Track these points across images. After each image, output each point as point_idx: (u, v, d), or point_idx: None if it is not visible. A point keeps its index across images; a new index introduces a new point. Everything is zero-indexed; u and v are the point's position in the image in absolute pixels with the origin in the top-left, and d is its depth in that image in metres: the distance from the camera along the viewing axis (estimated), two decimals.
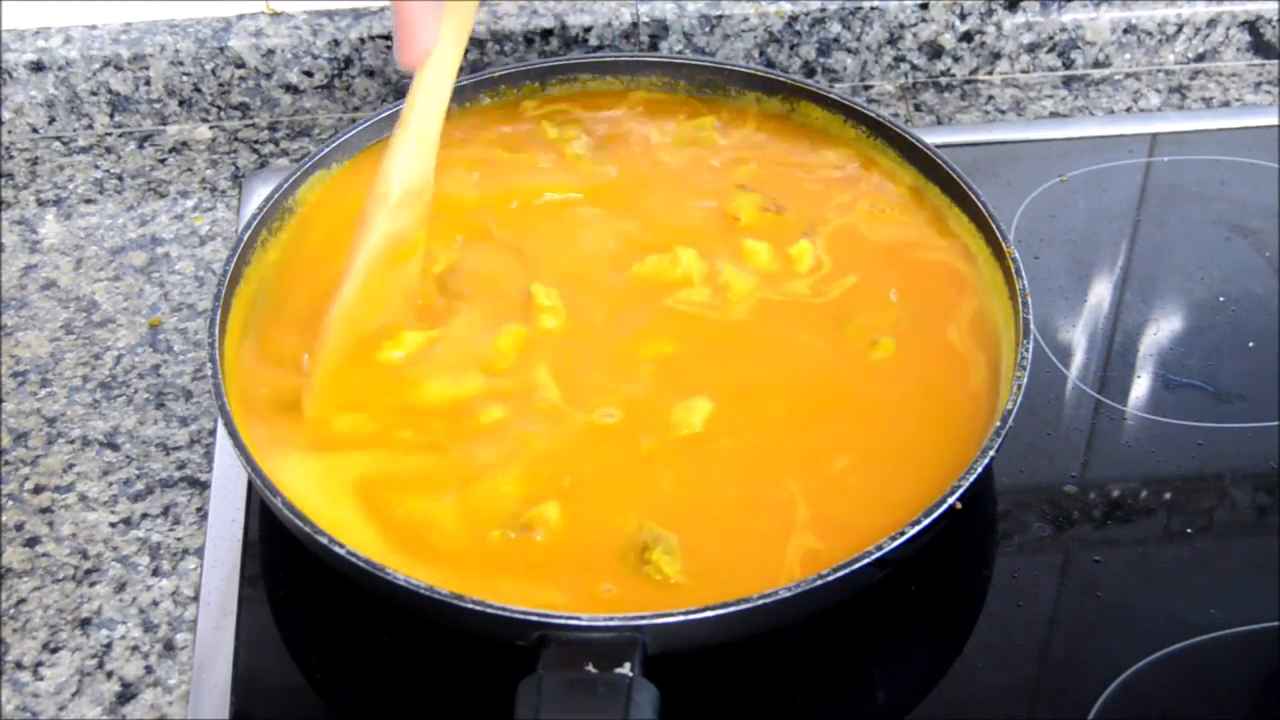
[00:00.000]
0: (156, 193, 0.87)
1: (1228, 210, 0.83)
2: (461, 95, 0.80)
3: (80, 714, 0.62)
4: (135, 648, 0.64)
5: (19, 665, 0.64)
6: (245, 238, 0.71)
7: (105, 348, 0.78)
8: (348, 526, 0.61)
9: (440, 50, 0.65)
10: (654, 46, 0.92)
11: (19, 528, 0.69)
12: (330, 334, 0.66)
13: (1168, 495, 0.68)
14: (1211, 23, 0.93)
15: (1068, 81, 0.94)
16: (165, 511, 0.70)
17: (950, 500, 0.58)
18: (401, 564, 0.58)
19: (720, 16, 0.91)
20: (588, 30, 0.91)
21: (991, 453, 0.60)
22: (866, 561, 0.56)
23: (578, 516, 0.62)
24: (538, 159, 0.78)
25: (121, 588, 0.67)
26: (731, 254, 0.73)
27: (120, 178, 0.89)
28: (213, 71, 0.90)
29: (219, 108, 0.92)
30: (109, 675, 0.63)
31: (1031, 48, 0.93)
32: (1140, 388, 0.73)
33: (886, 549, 0.56)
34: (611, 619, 0.55)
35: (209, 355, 0.65)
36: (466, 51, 0.91)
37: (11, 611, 0.66)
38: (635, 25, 0.91)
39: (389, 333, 0.68)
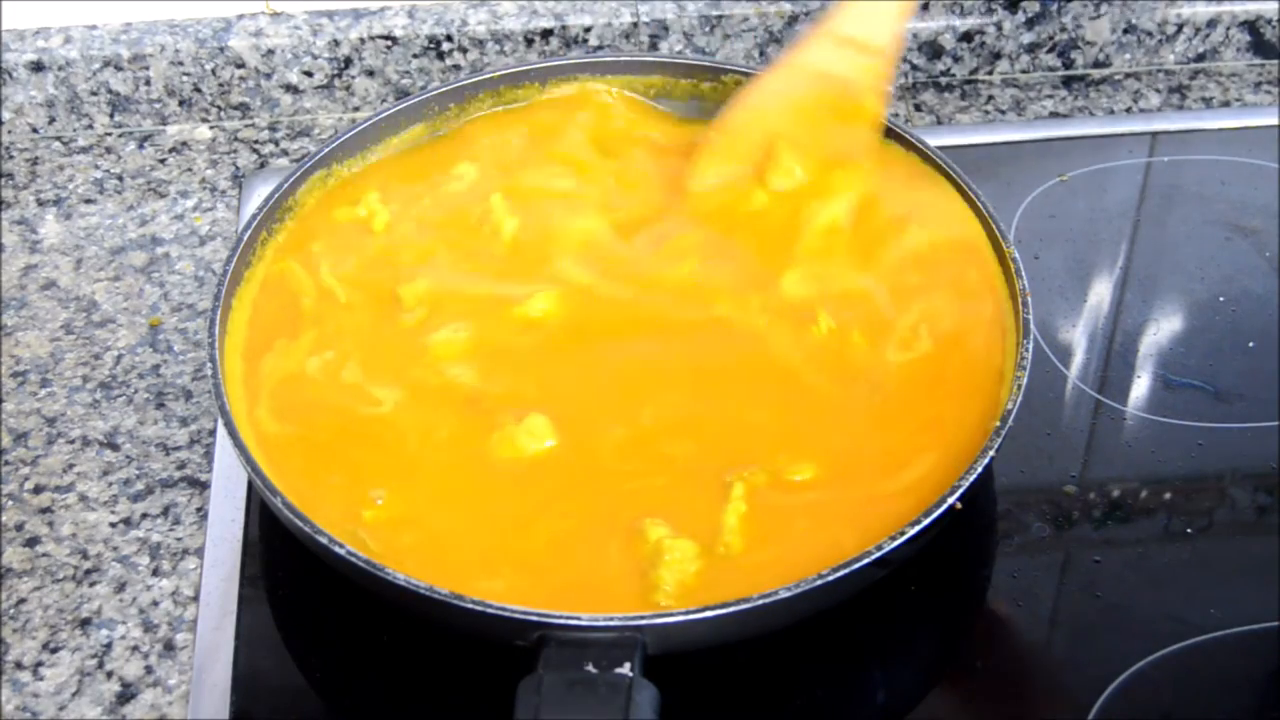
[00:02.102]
0: (156, 193, 0.88)
1: (1228, 210, 0.83)
2: (460, 95, 0.80)
3: (80, 714, 0.62)
4: (135, 648, 0.64)
5: (19, 665, 0.64)
6: (245, 238, 0.71)
7: (105, 348, 0.78)
8: None
9: None
10: (654, 46, 0.92)
11: (19, 528, 0.69)
12: (738, 118, 0.74)
13: (1168, 495, 0.68)
14: (1211, 23, 0.93)
15: (1068, 81, 0.94)
16: (165, 511, 0.70)
17: (950, 500, 0.58)
18: None
19: (720, 16, 0.91)
20: (588, 30, 0.91)
21: (991, 453, 0.60)
22: (866, 561, 0.56)
23: None
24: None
25: (121, 588, 0.67)
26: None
27: (120, 178, 0.89)
28: (213, 71, 0.90)
29: (219, 108, 0.92)
30: (109, 675, 0.63)
31: (1031, 48, 0.93)
32: (1140, 388, 0.73)
33: (886, 549, 0.57)
34: (611, 619, 0.55)
35: (209, 355, 0.65)
36: (465, 51, 0.91)
37: (11, 611, 0.66)
38: (635, 25, 0.91)
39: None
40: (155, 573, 0.67)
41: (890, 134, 0.76)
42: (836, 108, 0.74)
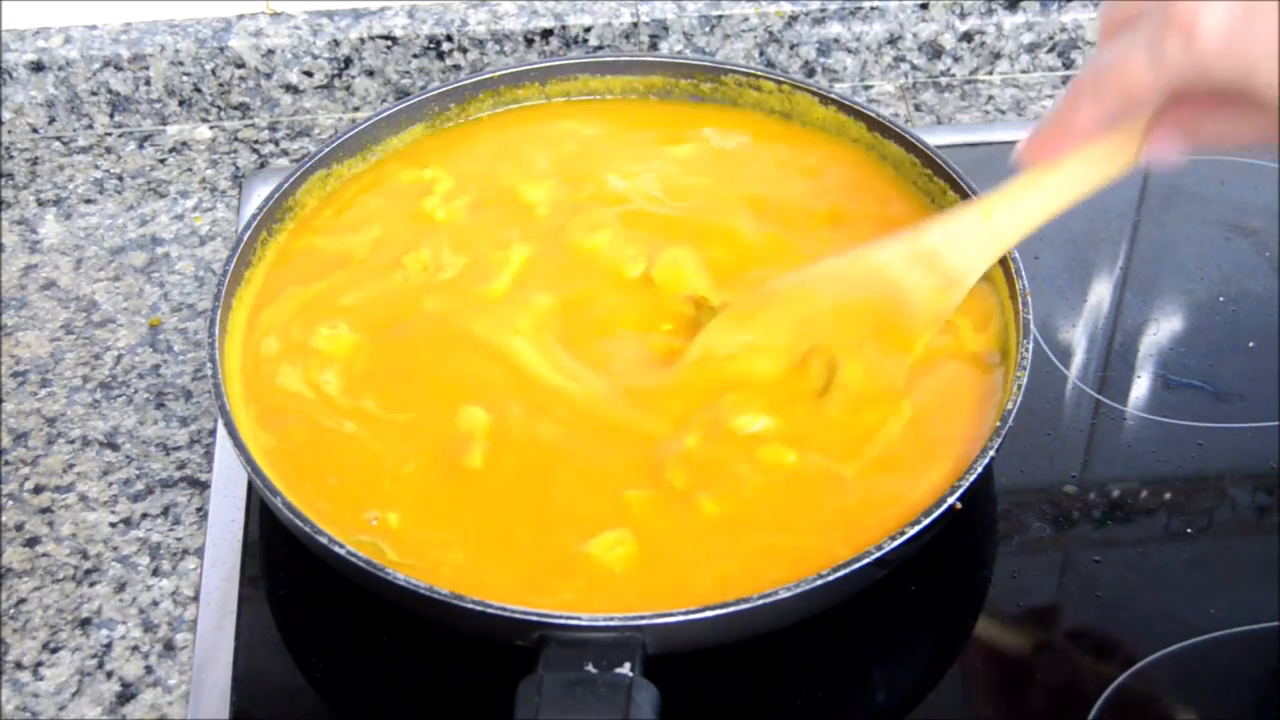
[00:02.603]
0: (156, 193, 0.88)
1: (1228, 210, 0.83)
2: (460, 95, 0.80)
3: (80, 714, 0.62)
4: (135, 648, 0.64)
5: (19, 665, 0.64)
6: (245, 238, 0.71)
7: (105, 348, 0.78)
8: None
9: (1074, 168, 0.59)
10: (654, 46, 0.92)
11: (19, 528, 0.69)
12: (783, 285, 0.66)
13: (1168, 495, 0.68)
14: None
15: (1068, 81, 0.94)
16: (165, 511, 0.70)
17: (950, 500, 0.58)
18: None
19: (720, 16, 0.91)
20: (588, 30, 0.91)
21: (991, 453, 0.60)
22: (866, 561, 0.56)
23: None
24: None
25: (121, 588, 0.67)
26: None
27: (120, 178, 0.89)
28: (213, 71, 0.90)
29: (219, 108, 0.92)
30: (109, 675, 0.63)
31: (1031, 48, 0.93)
32: (1140, 388, 0.73)
33: (886, 549, 0.56)
34: (611, 619, 0.55)
35: (209, 355, 0.65)
36: (465, 51, 0.91)
37: (11, 611, 0.66)
38: (635, 25, 0.91)
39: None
40: (155, 573, 0.67)
41: (890, 134, 0.76)
42: (883, 324, 0.65)
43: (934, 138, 0.76)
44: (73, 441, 0.73)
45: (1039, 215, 0.62)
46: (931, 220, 0.65)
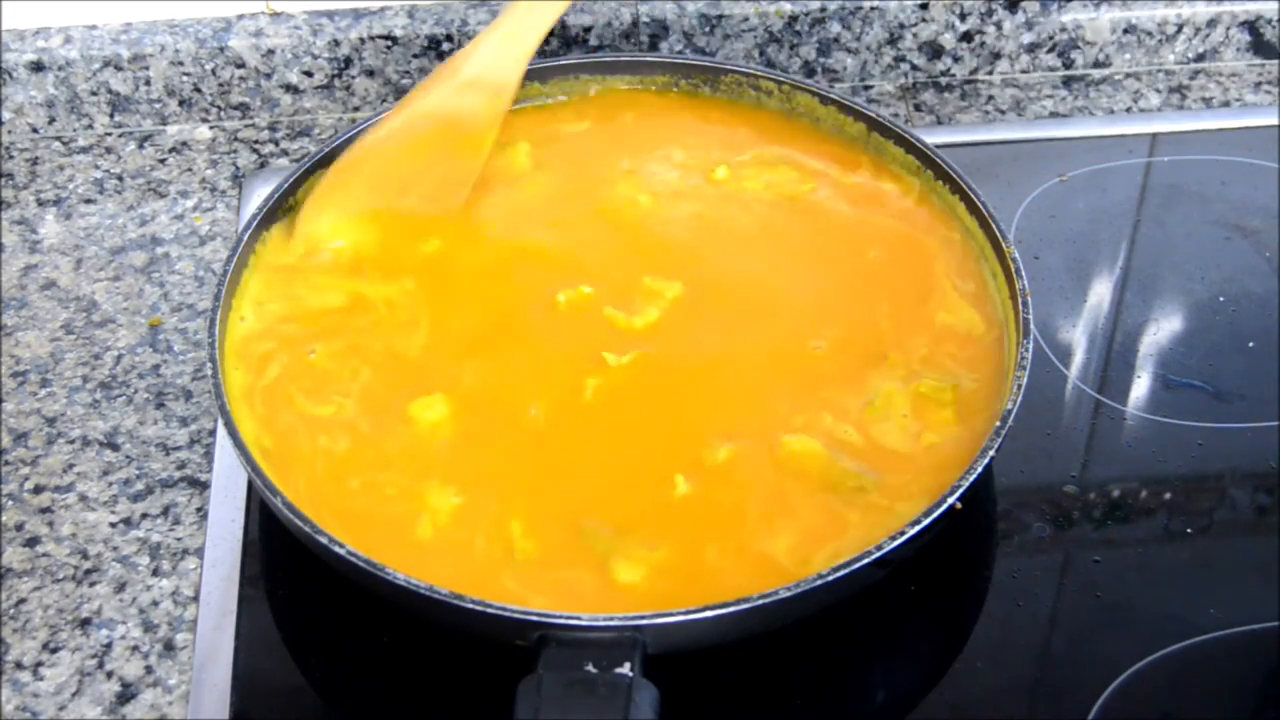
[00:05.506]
0: (156, 193, 0.88)
1: (1228, 210, 0.83)
2: None
3: (80, 714, 0.62)
4: (135, 648, 0.64)
5: (19, 665, 0.64)
6: (245, 238, 0.71)
7: (105, 348, 0.78)
8: None
9: None
10: (654, 46, 0.92)
11: (19, 528, 0.69)
12: (350, 160, 0.71)
13: (1168, 495, 0.68)
14: (1211, 23, 0.93)
15: (1068, 81, 0.94)
16: (165, 511, 0.70)
17: (950, 500, 0.58)
18: None
19: (720, 16, 0.91)
20: (588, 30, 0.91)
21: (991, 453, 0.60)
22: (866, 561, 0.56)
23: None
24: None
25: (121, 588, 0.67)
26: None
27: (120, 178, 0.89)
28: (213, 71, 0.90)
29: (219, 108, 0.92)
30: (109, 675, 0.63)
31: (1031, 48, 0.93)
32: (1140, 388, 0.73)
33: (886, 549, 0.57)
34: (611, 619, 0.55)
35: (209, 355, 0.65)
36: None
37: (11, 611, 0.66)
38: (635, 25, 0.91)
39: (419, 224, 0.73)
40: (155, 573, 0.67)
41: (890, 134, 0.76)
42: (449, 143, 0.74)
43: (934, 138, 0.76)
44: (73, 441, 0.73)
45: (548, 18, 0.73)
46: (461, 54, 0.74)
